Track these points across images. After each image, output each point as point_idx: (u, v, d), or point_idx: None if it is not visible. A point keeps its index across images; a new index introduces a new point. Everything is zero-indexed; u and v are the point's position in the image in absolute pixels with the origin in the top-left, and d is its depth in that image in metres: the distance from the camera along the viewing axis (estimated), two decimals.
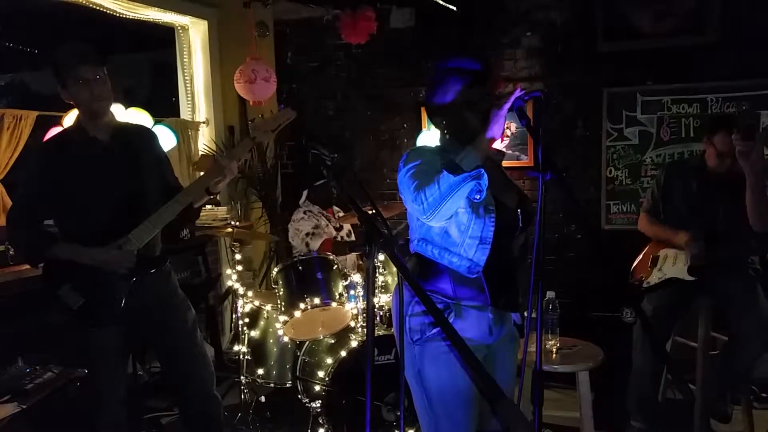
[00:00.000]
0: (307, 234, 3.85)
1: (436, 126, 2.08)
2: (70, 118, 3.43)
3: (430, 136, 4.66)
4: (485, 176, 1.79)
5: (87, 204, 2.42)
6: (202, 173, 2.68)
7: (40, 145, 2.48)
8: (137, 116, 3.78)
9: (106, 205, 2.43)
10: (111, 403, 2.57)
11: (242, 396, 3.57)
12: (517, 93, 1.81)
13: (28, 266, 3.31)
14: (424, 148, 2.09)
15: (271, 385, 3.56)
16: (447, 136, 2.06)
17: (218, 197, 4.81)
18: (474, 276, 1.93)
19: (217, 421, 2.79)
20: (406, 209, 2.03)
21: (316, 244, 3.81)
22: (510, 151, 4.37)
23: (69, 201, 2.42)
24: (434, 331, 1.94)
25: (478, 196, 1.81)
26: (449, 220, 1.89)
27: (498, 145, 1.95)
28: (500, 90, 1.83)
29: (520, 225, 2.00)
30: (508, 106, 1.80)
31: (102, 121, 2.46)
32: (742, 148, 2.80)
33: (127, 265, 2.38)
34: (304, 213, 3.92)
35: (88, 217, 2.43)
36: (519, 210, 2.01)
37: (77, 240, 2.42)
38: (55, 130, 3.45)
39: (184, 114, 5.01)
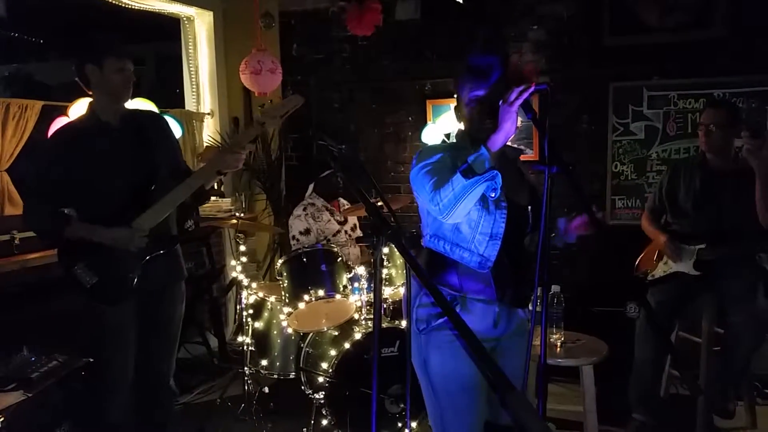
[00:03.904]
0: (293, 237, 3.85)
1: (458, 119, 2.10)
2: (75, 108, 3.43)
3: (434, 130, 4.66)
4: (499, 176, 1.81)
5: (100, 187, 2.50)
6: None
7: (54, 133, 2.57)
8: (142, 107, 3.78)
9: (118, 188, 2.51)
10: (121, 385, 2.61)
11: (246, 387, 3.58)
12: (530, 90, 1.77)
13: (33, 255, 3.33)
14: (437, 146, 2.12)
15: (275, 376, 3.57)
16: (464, 131, 2.07)
17: (223, 188, 4.81)
18: (485, 271, 1.95)
19: (168, 410, 2.87)
20: (411, 203, 2.04)
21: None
22: (516, 145, 4.37)
23: (83, 185, 2.49)
24: (440, 321, 1.96)
25: (493, 194, 1.85)
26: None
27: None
28: (521, 84, 1.78)
29: (531, 222, 2.01)
30: (519, 103, 1.77)
31: (117, 107, 2.56)
32: (751, 146, 2.82)
33: (138, 244, 2.46)
34: (304, 209, 3.90)
35: (102, 199, 2.50)
36: (530, 207, 2.01)
37: (93, 222, 2.49)
38: (60, 120, 3.46)
39: (189, 105, 5.02)
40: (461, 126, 2.09)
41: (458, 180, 1.79)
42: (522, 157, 2.22)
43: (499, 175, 1.81)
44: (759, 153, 2.84)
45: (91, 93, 2.55)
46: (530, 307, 2.05)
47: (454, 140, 2.11)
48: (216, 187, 2.86)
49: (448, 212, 1.83)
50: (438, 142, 4.56)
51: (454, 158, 1.94)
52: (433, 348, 1.99)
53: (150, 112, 2.93)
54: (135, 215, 2.47)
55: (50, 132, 3.42)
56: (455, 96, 2.08)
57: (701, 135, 3.19)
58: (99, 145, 2.51)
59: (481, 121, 1.95)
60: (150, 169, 2.55)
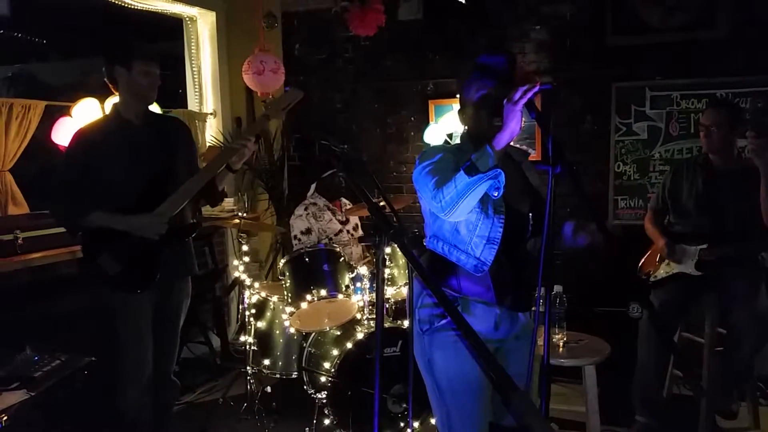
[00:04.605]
0: (295, 237, 3.86)
1: (462, 121, 2.09)
2: (78, 108, 3.45)
3: (437, 130, 4.65)
4: (502, 174, 1.79)
5: (120, 181, 2.59)
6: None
7: (79, 130, 2.66)
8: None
9: (137, 183, 2.59)
10: (139, 382, 2.64)
11: (248, 386, 3.58)
12: (534, 89, 1.74)
13: (36, 255, 3.33)
14: (440, 147, 2.13)
15: (277, 375, 3.57)
16: (467, 132, 2.07)
17: (225, 189, 4.82)
18: (480, 275, 1.94)
19: (170, 407, 2.94)
20: (414, 202, 2.04)
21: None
22: (518, 146, 4.35)
23: (105, 179, 2.57)
24: (443, 321, 1.96)
25: (496, 193, 1.82)
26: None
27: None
28: (525, 84, 1.77)
29: (530, 229, 2.00)
30: (523, 102, 1.75)
31: (141, 108, 2.68)
32: (756, 146, 2.82)
33: (157, 231, 2.54)
34: (305, 209, 3.90)
35: (122, 193, 2.58)
36: (530, 215, 2.00)
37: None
38: (63, 120, 3.47)
39: (192, 105, 5.02)
40: (465, 127, 2.09)
41: (461, 177, 1.78)
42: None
43: (503, 173, 1.79)
44: (764, 153, 2.83)
45: (117, 93, 2.66)
46: (533, 309, 2.04)
47: (458, 141, 2.11)
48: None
49: (450, 210, 1.82)
50: (440, 142, 4.56)
51: (457, 158, 1.93)
52: (437, 348, 1.98)
53: (173, 117, 3.11)
54: (153, 208, 2.55)
55: (55, 129, 3.44)
56: (459, 97, 2.07)
57: (702, 136, 3.19)
58: (120, 141, 2.61)
59: (488, 120, 1.93)
60: (167, 168, 2.64)
